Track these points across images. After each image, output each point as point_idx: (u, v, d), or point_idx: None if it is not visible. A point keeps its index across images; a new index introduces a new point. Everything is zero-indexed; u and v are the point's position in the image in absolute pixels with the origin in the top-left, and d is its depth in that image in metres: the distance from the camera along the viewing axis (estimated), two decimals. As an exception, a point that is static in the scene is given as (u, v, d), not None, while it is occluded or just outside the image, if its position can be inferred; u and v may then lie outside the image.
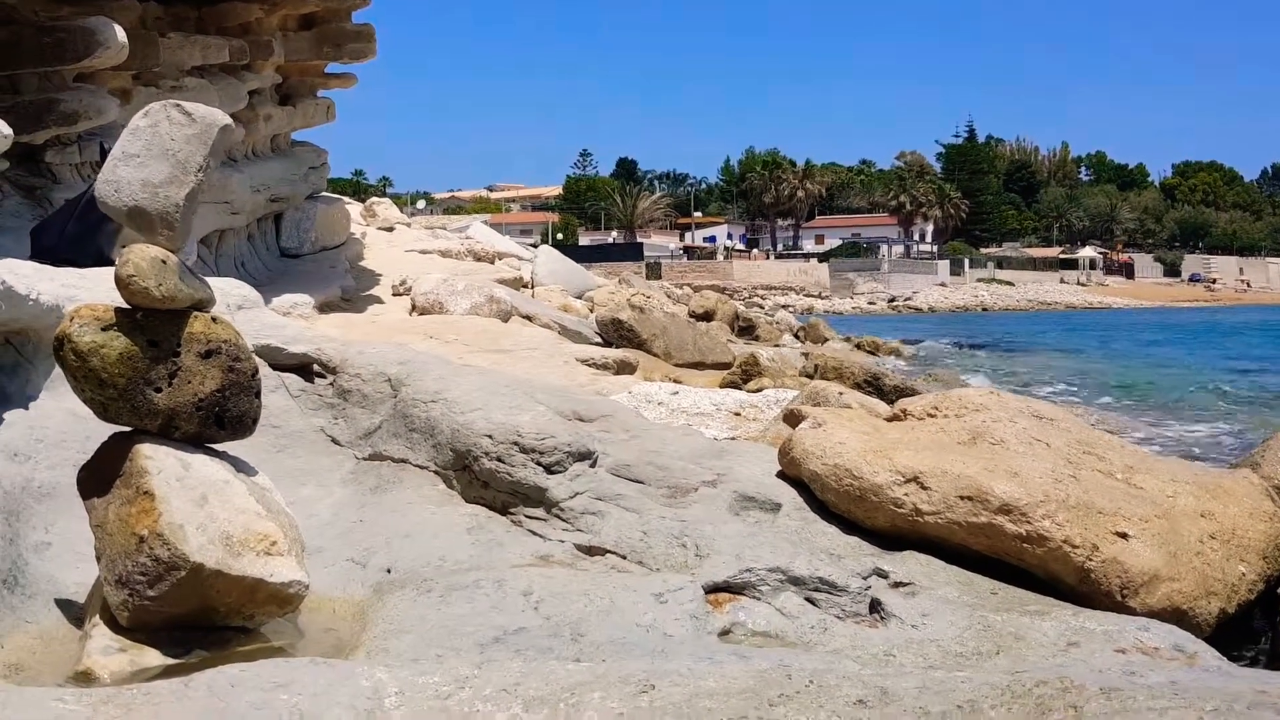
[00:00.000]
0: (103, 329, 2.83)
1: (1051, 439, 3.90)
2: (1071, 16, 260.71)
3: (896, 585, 3.24)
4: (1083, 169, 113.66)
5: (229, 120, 3.00)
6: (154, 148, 2.87)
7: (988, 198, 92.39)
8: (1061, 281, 79.20)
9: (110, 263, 5.64)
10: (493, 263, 18.26)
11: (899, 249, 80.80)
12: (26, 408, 3.84)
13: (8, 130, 5.36)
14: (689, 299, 21.55)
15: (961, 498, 3.46)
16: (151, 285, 2.81)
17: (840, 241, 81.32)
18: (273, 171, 12.66)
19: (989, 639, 2.99)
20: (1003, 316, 54.62)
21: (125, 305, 2.89)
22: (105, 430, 3.05)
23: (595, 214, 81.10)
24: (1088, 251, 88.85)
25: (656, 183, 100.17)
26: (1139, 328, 40.31)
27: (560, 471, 3.74)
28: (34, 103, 7.62)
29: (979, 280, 73.61)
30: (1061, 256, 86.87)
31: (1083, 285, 78.97)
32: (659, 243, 72.79)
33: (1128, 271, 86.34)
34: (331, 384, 4.52)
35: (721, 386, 9.54)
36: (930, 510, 3.48)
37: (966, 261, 76.52)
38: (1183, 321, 45.68)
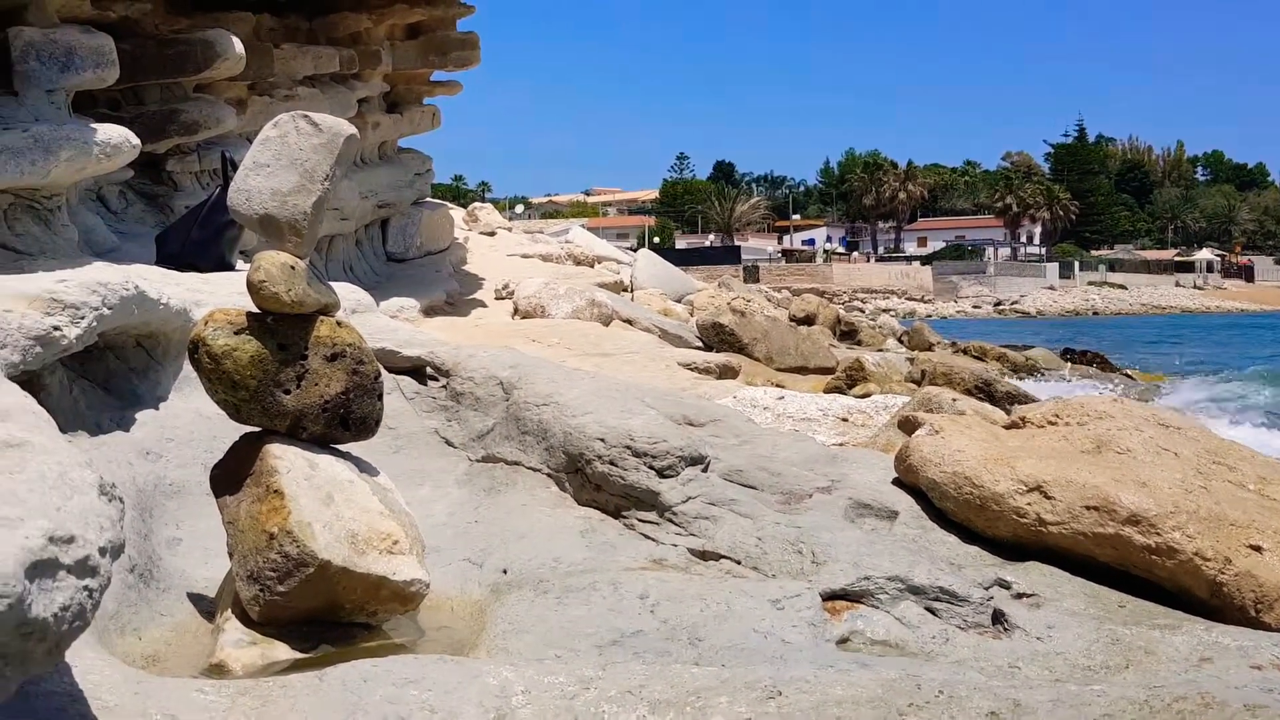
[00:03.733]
0: (235, 332, 2.93)
1: (1179, 448, 3.76)
2: (1185, 11, 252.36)
3: (1020, 596, 3.16)
4: (1199, 168, 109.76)
5: (354, 130, 3.07)
6: (283, 157, 2.95)
7: (1098, 199, 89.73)
8: (1177, 285, 76.34)
9: (229, 267, 5.84)
10: (592, 266, 18.34)
11: (1005, 251, 78.95)
12: (156, 408, 3.97)
13: (136, 141, 5.56)
14: (789, 303, 21.33)
15: (1087, 508, 3.36)
16: (281, 290, 2.89)
17: (944, 244, 79.76)
18: (380, 178, 12.92)
19: (1117, 653, 2.89)
20: (1115, 321, 52.77)
21: (255, 310, 2.98)
22: (230, 429, 3.15)
23: (692, 217, 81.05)
24: (1204, 254, 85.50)
25: (754, 185, 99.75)
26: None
27: (672, 475, 3.73)
28: (157, 113, 7.90)
29: (1089, 284, 71.35)
30: (1177, 259, 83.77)
31: (1199, 289, 75.99)
32: (756, 245, 72.38)
33: (1247, 274, 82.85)
34: (445, 387, 4.60)
35: (825, 392, 9.44)
36: (1054, 520, 3.38)
37: (1076, 264, 74.35)
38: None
